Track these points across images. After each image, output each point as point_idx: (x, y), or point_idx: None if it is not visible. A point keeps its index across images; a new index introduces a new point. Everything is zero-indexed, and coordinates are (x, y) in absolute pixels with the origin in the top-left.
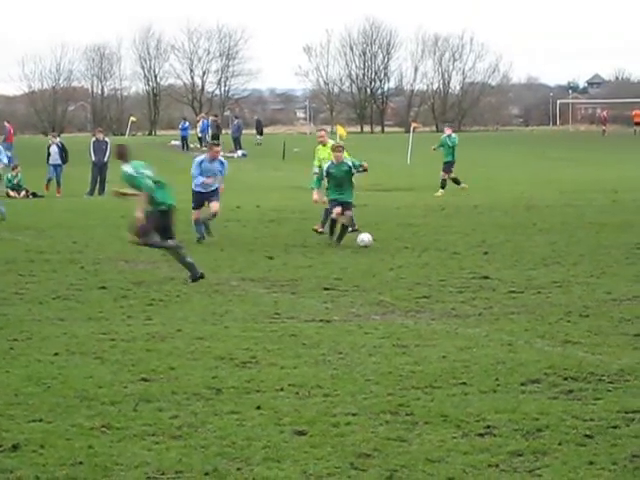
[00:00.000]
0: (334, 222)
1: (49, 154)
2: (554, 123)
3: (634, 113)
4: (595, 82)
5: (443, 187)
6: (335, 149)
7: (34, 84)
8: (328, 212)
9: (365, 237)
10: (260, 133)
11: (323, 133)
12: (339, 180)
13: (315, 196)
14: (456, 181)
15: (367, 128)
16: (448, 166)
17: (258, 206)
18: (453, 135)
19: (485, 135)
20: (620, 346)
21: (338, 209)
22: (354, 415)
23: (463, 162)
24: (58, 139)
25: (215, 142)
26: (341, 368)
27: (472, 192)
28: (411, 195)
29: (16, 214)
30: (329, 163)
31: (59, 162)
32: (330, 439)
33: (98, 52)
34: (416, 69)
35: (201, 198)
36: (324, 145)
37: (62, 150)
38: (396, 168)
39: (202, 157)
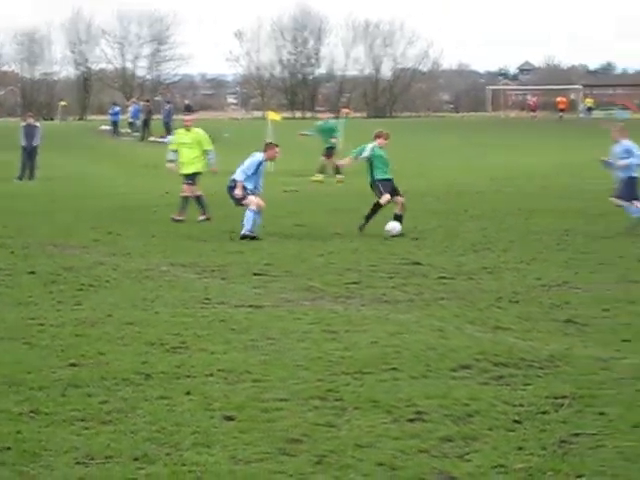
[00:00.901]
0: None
1: None
2: (484, 109)
3: (558, 100)
4: (525, 69)
5: (338, 172)
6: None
7: None
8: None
9: (396, 226)
10: None
11: (190, 119)
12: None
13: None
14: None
15: (298, 114)
16: (329, 151)
17: None
18: (330, 121)
19: (416, 121)
20: (550, 332)
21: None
22: (284, 401)
23: (395, 148)
24: None
25: (275, 143)
26: (271, 354)
27: (404, 178)
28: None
29: None
30: (373, 145)
31: None
32: (259, 424)
33: (28, 36)
34: (347, 55)
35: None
36: (188, 130)
37: None
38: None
39: (260, 157)
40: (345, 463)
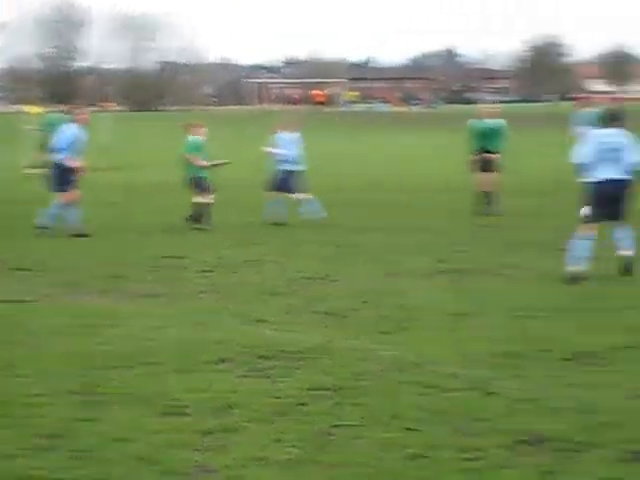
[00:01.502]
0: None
1: None
2: (247, 103)
3: (314, 93)
4: (289, 62)
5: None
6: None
7: None
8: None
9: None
10: None
11: None
12: None
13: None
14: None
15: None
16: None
17: None
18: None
19: (180, 115)
20: (311, 324)
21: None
22: (42, 396)
23: (164, 143)
24: None
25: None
26: (30, 348)
27: (165, 174)
28: (107, 175)
29: None
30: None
31: None
32: (17, 420)
33: None
34: (109, 48)
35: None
36: None
37: None
38: (90, 147)
39: (74, 128)
40: (105, 458)
